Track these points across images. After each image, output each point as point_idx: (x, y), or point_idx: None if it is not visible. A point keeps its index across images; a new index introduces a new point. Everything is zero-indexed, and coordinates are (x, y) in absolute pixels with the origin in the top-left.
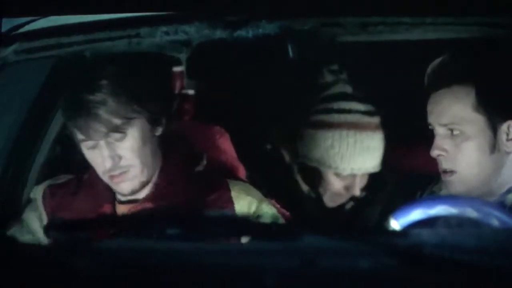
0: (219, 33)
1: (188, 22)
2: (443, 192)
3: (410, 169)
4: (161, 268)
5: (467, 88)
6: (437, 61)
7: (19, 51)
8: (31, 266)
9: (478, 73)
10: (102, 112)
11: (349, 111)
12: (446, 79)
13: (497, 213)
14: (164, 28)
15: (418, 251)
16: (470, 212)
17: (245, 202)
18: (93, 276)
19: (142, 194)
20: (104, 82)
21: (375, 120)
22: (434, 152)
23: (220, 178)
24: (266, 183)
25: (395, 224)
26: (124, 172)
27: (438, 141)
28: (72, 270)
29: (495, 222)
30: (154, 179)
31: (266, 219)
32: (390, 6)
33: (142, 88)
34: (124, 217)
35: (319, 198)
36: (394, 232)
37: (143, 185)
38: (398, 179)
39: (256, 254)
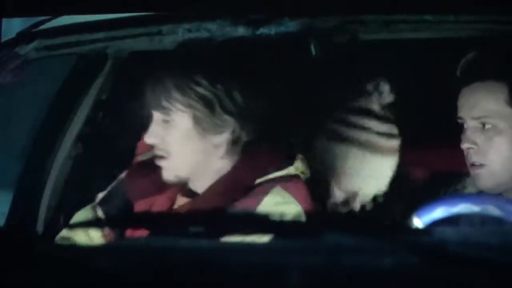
0: (241, 31)
1: (210, 20)
2: (468, 190)
3: (434, 168)
4: (183, 266)
5: (500, 83)
6: (471, 55)
7: (40, 48)
8: (51, 266)
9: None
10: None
11: (367, 129)
12: (480, 73)
13: None
14: (186, 26)
15: (441, 249)
16: (493, 210)
17: (272, 213)
18: (114, 275)
19: (199, 190)
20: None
21: (392, 142)
22: (465, 145)
23: (273, 182)
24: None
25: (418, 222)
26: (162, 157)
27: (469, 134)
28: (94, 269)
29: None
30: (212, 180)
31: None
32: (412, 3)
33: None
34: (148, 215)
35: (323, 202)
36: (417, 230)
37: (181, 181)
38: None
39: (279, 252)
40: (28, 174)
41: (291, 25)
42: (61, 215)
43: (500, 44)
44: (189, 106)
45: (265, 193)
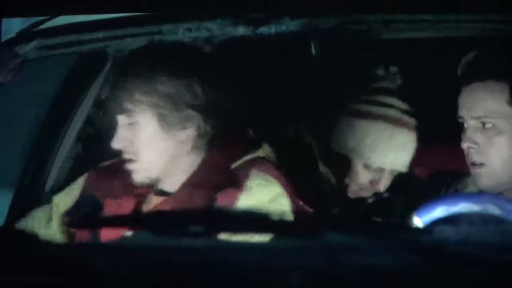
0: (241, 30)
1: (210, 19)
2: (468, 190)
3: (434, 167)
4: (183, 266)
5: (501, 83)
6: (472, 54)
7: (40, 47)
8: (50, 264)
9: None
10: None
11: (390, 106)
12: (481, 73)
13: None
14: (186, 25)
15: (441, 248)
16: (493, 209)
17: (257, 195)
18: (114, 274)
19: (172, 188)
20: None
21: (413, 120)
22: (465, 145)
23: (248, 168)
24: (289, 179)
25: (418, 221)
26: (131, 160)
27: (469, 133)
28: (92, 268)
29: None
30: (184, 176)
31: (280, 213)
32: (412, 3)
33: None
34: (146, 214)
35: (343, 189)
36: (417, 229)
37: (152, 182)
38: (422, 178)
39: (279, 251)
40: (28, 174)
41: (291, 25)
42: None
43: (501, 43)
44: (153, 105)
45: (245, 178)
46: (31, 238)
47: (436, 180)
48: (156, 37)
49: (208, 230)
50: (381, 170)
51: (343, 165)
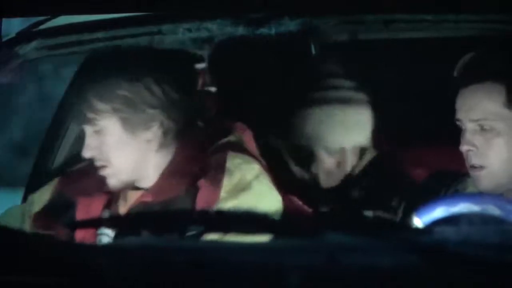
0: (241, 31)
1: (210, 19)
2: (468, 190)
3: (434, 168)
4: (182, 266)
5: (499, 85)
6: (469, 56)
7: (40, 48)
8: (50, 264)
9: (510, 70)
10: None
11: (336, 88)
12: (478, 75)
13: None
14: (186, 25)
15: (441, 249)
16: (493, 210)
17: (239, 175)
18: (113, 274)
19: (147, 184)
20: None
21: (363, 96)
22: (464, 148)
23: (223, 151)
24: (288, 180)
25: (418, 221)
26: (104, 166)
27: (468, 136)
28: (92, 268)
29: None
30: (157, 172)
31: (258, 194)
32: (411, 3)
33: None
34: (145, 215)
35: (314, 180)
36: (417, 230)
37: (128, 185)
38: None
39: (278, 251)
40: (36, 173)
41: (291, 25)
42: None
43: (499, 44)
44: (114, 110)
45: (223, 161)
46: (31, 238)
47: (436, 180)
48: (156, 37)
49: (207, 230)
50: (342, 150)
51: (308, 157)
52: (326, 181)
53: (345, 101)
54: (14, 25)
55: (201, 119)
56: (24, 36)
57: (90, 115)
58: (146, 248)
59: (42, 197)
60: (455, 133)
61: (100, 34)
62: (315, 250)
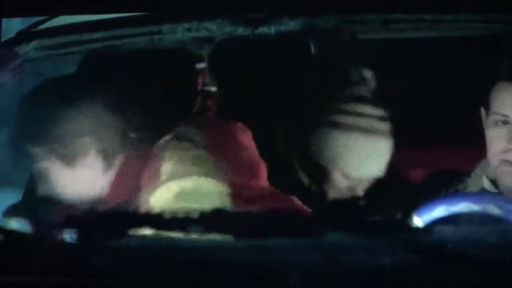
0: (241, 30)
1: (210, 19)
2: (469, 190)
3: (434, 167)
4: (182, 266)
5: None
6: None
7: (40, 48)
8: (50, 266)
9: None
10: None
11: (363, 115)
12: None
13: None
14: (186, 25)
15: (441, 248)
16: (493, 209)
17: (180, 158)
18: (112, 273)
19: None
20: None
21: (387, 126)
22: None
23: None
24: (287, 180)
25: (418, 221)
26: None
27: None
28: (91, 267)
29: None
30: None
31: (206, 197)
32: (411, 3)
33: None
34: (145, 214)
35: (323, 195)
36: (417, 229)
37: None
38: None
39: (278, 251)
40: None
41: (291, 24)
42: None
43: None
44: (51, 151)
45: (161, 149)
46: (31, 237)
47: (436, 179)
48: (156, 37)
49: (206, 230)
50: (359, 178)
51: (321, 174)
52: (334, 195)
53: (369, 131)
54: (14, 25)
55: (132, 130)
56: (24, 36)
57: (38, 159)
58: (146, 248)
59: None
60: (455, 132)
61: (99, 34)
62: (315, 250)
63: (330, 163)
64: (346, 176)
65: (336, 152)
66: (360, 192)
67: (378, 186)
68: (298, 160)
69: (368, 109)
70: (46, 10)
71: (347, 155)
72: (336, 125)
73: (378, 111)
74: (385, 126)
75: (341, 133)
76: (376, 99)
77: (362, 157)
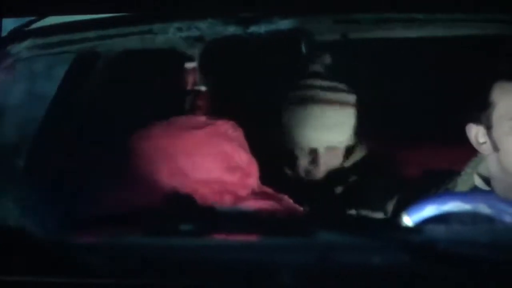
0: (232, 29)
1: (201, 18)
2: (458, 189)
3: (425, 166)
4: (173, 265)
5: None
6: None
7: (32, 47)
8: (50, 266)
9: None
10: None
11: (314, 87)
12: None
13: (510, 209)
14: (177, 24)
15: (431, 247)
16: (483, 208)
17: None
18: (105, 273)
19: None
20: None
21: (343, 96)
22: None
23: None
24: (279, 179)
25: (408, 220)
26: None
27: None
28: (85, 267)
29: (508, 219)
30: None
31: None
32: (402, 2)
33: None
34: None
35: (298, 178)
36: (407, 228)
37: None
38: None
39: (270, 250)
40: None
41: (282, 24)
42: None
43: None
44: None
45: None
46: (30, 237)
47: (426, 179)
48: (147, 36)
49: (200, 229)
50: (313, 149)
51: (289, 156)
52: (308, 178)
53: (322, 101)
54: (7, 24)
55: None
56: (16, 35)
57: None
58: (143, 247)
59: None
60: (446, 132)
61: (91, 34)
62: (307, 249)
63: (290, 140)
64: (302, 149)
65: (291, 130)
66: (322, 166)
67: (369, 186)
68: (276, 150)
69: (319, 81)
70: (46, 10)
71: (302, 127)
72: (292, 102)
73: (331, 83)
74: (341, 97)
75: (294, 109)
76: (328, 74)
77: (316, 127)
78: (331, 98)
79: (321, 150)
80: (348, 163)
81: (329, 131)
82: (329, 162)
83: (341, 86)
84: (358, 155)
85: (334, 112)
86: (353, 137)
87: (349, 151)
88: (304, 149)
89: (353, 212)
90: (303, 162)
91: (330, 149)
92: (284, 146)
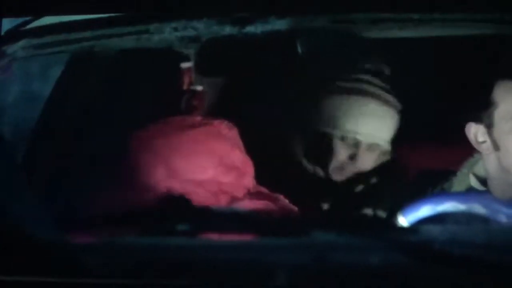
0: (228, 29)
1: (197, 18)
2: (454, 189)
3: (421, 166)
4: (170, 265)
5: None
6: None
7: (28, 47)
8: (49, 266)
9: None
10: None
11: (370, 83)
12: None
13: (505, 209)
14: (173, 24)
15: (427, 248)
16: (479, 209)
17: None
18: (103, 273)
19: None
20: None
21: (393, 99)
22: None
23: None
24: (274, 178)
25: (403, 220)
26: None
27: None
28: (82, 267)
29: (503, 219)
30: None
31: None
32: (399, 2)
33: None
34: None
35: (325, 173)
36: (403, 228)
37: None
38: (407, 176)
39: (267, 250)
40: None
41: (278, 24)
42: None
43: None
44: None
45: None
46: (31, 238)
47: (422, 179)
48: (143, 36)
49: (195, 229)
50: (357, 143)
51: (321, 144)
52: (337, 173)
53: (374, 96)
54: (2, 24)
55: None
56: (12, 35)
57: None
58: (140, 247)
59: None
60: (442, 132)
61: (87, 33)
62: (303, 249)
63: (328, 126)
64: (344, 139)
65: (336, 113)
66: (361, 164)
67: (365, 186)
68: (300, 138)
69: (376, 80)
70: (46, 10)
71: (347, 115)
72: (340, 91)
73: (386, 85)
74: (392, 99)
75: (345, 96)
76: (385, 77)
77: (362, 118)
78: (388, 100)
79: (363, 146)
80: (372, 164)
81: (378, 129)
82: (365, 162)
83: (395, 91)
84: (382, 159)
85: (387, 112)
86: (390, 143)
87: (383, 155)
88: (347, 141)
89: (350, 212)
90: (341, 156)
91: (372, 146)
92: (319, 138)
